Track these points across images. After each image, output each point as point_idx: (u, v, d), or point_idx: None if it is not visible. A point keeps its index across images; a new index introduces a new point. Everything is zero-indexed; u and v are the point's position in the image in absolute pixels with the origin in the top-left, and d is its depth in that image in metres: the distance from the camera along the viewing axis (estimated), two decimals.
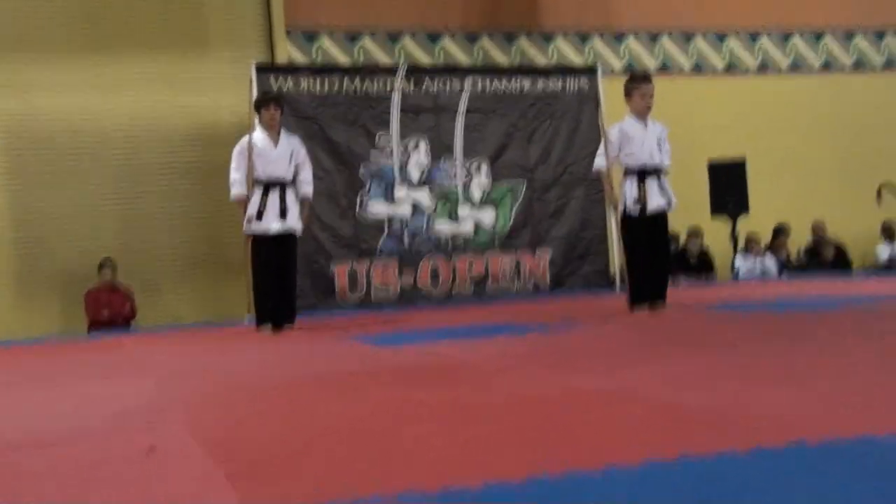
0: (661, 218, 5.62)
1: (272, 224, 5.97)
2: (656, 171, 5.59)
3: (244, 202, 6.05)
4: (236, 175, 6.12)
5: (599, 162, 5.80)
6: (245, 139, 6.14)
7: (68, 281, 8.90)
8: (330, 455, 1.95)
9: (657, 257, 5.65)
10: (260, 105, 6.22)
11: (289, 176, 6.11)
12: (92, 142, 9.04)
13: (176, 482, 1.82)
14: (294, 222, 6.06)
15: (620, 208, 5.66)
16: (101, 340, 6.79)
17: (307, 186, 6.21)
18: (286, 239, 6.07)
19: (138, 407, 2.91)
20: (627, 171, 5.64)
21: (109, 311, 8.59)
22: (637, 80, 5.69)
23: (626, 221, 5.67)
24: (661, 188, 5.58)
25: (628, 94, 5.68)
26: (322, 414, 2.55)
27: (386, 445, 2.00)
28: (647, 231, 5.59)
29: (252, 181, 6.03)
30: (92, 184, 9.05)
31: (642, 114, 5.63)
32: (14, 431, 2.57)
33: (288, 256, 6.12)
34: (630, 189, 5.58)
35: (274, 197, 5.99)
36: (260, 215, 5.98)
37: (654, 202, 5.54)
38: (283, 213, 5.98)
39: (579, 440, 1.92)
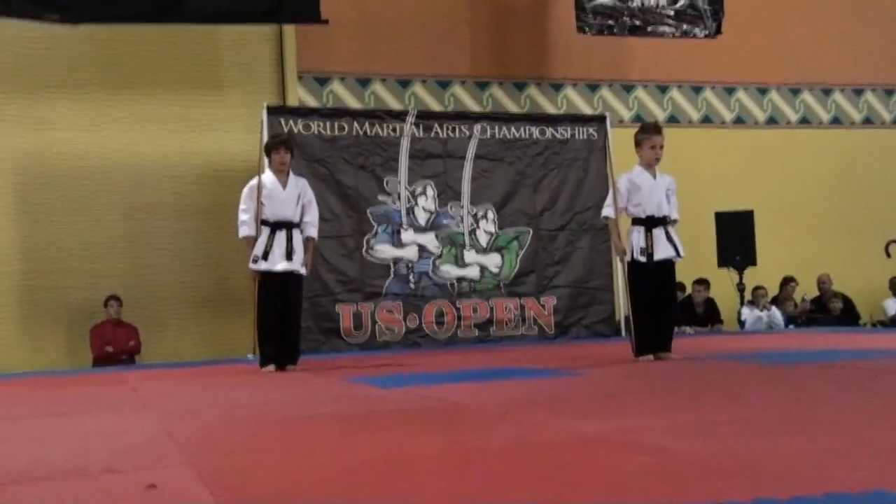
0: (668, 267, 5.64)
1: (277, 264, 6.03)
2: (664, 221, 5.63)
3: (252, 241, 6.13)
4: (244, 216, 6.20)
5: (608, 211, 5.84)
6: (255, 180, 6.21)
7: (74, 316, 8.93)
8: (330, 495, 1.95)
9: (663, 306, 5.67)
10: (270, 148, 6.29)
11: (296, 217, 6.17)
12: (102, 179, 9.13)
13: None
14: (299, 263, 6.10)
15: (627, 258, 5.68)
16: (104, 375, 6.79)
17: (312, 228, 6.26)
18: (291, 279, 6.12)
19: (140, 443, 2.90)
20: (635, 221, 5.68)
21: (114, 346, 8.61)
22: (647, 131, 5.74)
23: (634, 269, 5.69)
24: (669, 238, 5.61)
25: (638, 144, 5.73)
26: (323, 455, 2.54)
27: (386, 489, 2.00)
28: (654, 280, 5.61)
29: (260, 221, 6.10)
30: (100, 220, 9.12)
31: (651, 164, 5.68)
32: (14, 464, 2.56)
33: (293, 297, 6.17)
34: (637, 238, 5.62)
35: (281, 237, 6.06)
36: (266, 255, 6.04)
37: (662, 251, 5.57)
38: (288, 255, 6.04)
39: (580, 486, 1.92)
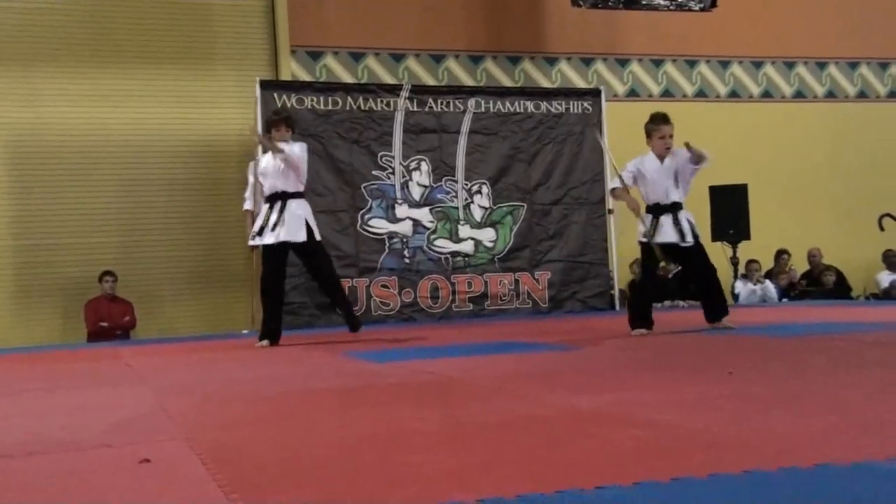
0: (690, 251, 5.73)
1: (266, 237, 6.06)
2: (672, 208, 5.71)
3: (250, 216, 6.32)
4: (245, 193, 6.53)
5: (613, 183, 5.97)
6: (257, 160, 6.28)
7: (69, 291, 8.92)
8: (326, 470, 1.96)
9: (701, 285, 5.88)
10: (270, 125, 6.25)
11: (289, 187, 6.14)
12: (96, 153, 9.08)
13: (169, 493, 1.82)
14: (292, 233, 6.05)
15: (637, 238, 5.83)
16: (99, 350, 6.79)
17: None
18: (300, 251, 6.15)
19: (134, 418, 2.91)
20: (647, 207, 5.81)
21: (109, 321, 8.60)
22: (656, 122, 5.78)
23: (642, 250, 5.87)
24: (676, 223, 5.66)
25: (648, 135, 5.81)
26: (319, 429, 2.55)
27: (381, 461, 2.01)
28: (684, 262, 5.83)
29: (259, 198, 6.23)
30: (95, 195, 9.08)
31: (663, 155, 5.74)
32: (8, 438, 2.57)
33: (315, 267, 6.28)
34: (645, 221, 5.76)
35: (274, 210, 6.06)
36: (262, 231, 6.08)
37: (663, 236, 5.67)
38: (274, 227, 6.04)
39: (574, 460, 1.93)
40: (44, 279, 8.90)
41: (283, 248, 6.13)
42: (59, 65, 9.04)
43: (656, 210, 5.74)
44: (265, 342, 6.06)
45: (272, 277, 6.19)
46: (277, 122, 6.22)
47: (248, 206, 6.35)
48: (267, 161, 6.21)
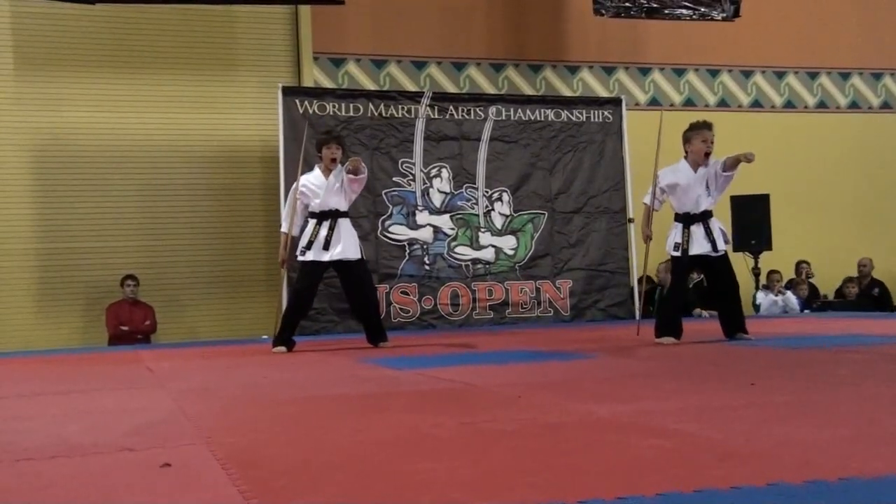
0: (716, 261, 5.70)
1: (317, 255, 6.09)
2: (703, 217, 5.67)
3: (285, 238, 6.35)
4: (284, 213, 6.58)
5: (646, 198, 5.94)
6: (303, 178, 6.29)
7: (91, 294, 8.99)
8: (343, 475, 1.95)
9: (723, 297, 5.85)
10: (321, 144, 6.27)
11: (341, 206, 6.17)
12: (119, 158, 9.16)
13: (189, 497, 1.82)
14: (347, 251, 6.10)
15: (667, 250, 5.80)
16: (120, 354, 6.83)
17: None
18: (349, 267, 6.18)
19: (154, 421, 2.92)
20: (676, 216, 5.78)
21: (130, 325, 8.66)
22: (698, 127, 5.74)
23: (673, 262, 5.86)
24: (708, 232, 5.63)
25: (687, 140, 5.76)
26: (337, 434, 2.55)
27: (398, 468, 2.00)
28: (711, 274, 5.87)
29: (294, 219, 6.27)
30: (116, 200, 9.16)
31: (701, 159, 5.68)
32: (29, 441, 2.59)
33: (358, 281, 6.28)
34: (675, 234, 5.74)
35: (325, 228, 6.10)
36: (310, 245, 6.11)
37: (696, 248, 5.64)
38: (328, 244, 6.06)
39: (594, 469, 1.91)
40: (66, 283, 8.98)
41: (325, 265, 6.17)
42: (82, 70, 9.14)
43: (687, 219, 5.69)
44: (282, 349, 6.10)
45: (309, 294, 6.32)
46: (329, 141, 6.25)
47: (285, 228, 6.35)
48: (317, 179, 6.21)
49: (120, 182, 9.17)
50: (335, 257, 6.09)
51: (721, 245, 5.66)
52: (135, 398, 3.72)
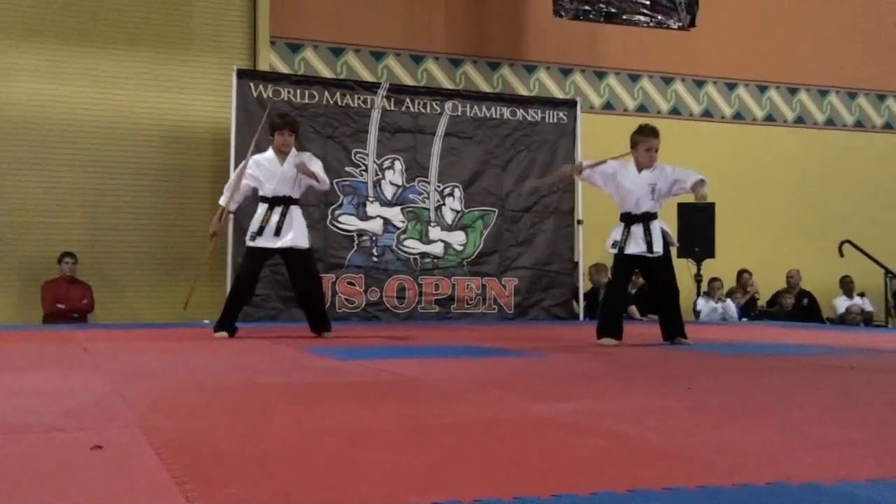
0: (653, 262, 5.74)
1: (268, 242, 6.02)
2: (644, 218, 5.71)
3: (221, 211, 6.22)
4: (227, 186, 6.34)
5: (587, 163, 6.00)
6: (255, 157, 6.19)
7: (27, 271, 8.79)
8: (281, 464, 1.94)
9: (662, 297, 5.90)
10: (273, 128, 6.18)
11: (294, 193, 6.11)
12: (63, 132, 8.96)
13: (120, 480, 1.79)
14: (297, 239, 6.04)
15: (606, 248, 5.86)
16: (55, 333, 6.69)
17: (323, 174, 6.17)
18: (297, 255, 6.11)
19: (88, 403, 2.87)
20: (620, 217, 5.84)
21: (66, 304, 8.49)
22: (645, 133, 5.79)
23: (613, 260, 5.92)
24: (646, 233, 5.68)
25: (634, 145, 5.82)
26: (276, 423, 2.53)
27: (338, 459, 2.00)
28: (651, 275, 5.91)
29: (235, 196, 6.19)
30: (60, 174, 8.96)
31: (646, 167, 5.76)
32: None
33: (306, 271, 6.21)
34: (615, 233, 5.80)
35: (276, 214, 6.02)
36: (261, 231, 6.03)
37: (631, 247, 5.69)
38: (279, 230, 6.00)
39: (531, 466, 1.93)
40: (1, 257, 8.76)
41: (272, 252, 6.10)
42: (29, 41, 8.92)
43: (628, 219, 5.76)
44: (224, 334, 6.02)
45: (253, 280, 6.22)
46: (281, 127, 6.13)
47: (223, 201, 6.21)
48: (271, 162, 6.12)
49: (63, 157, 8.98)
50: (286, 244, 6.03)
51: (658, 247, 5.68)
52: (69, 379, 3.65)
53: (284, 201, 6.07)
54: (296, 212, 6.11)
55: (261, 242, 6.05)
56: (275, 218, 6.02)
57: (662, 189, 5.75)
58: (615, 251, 5.75)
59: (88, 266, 8.81)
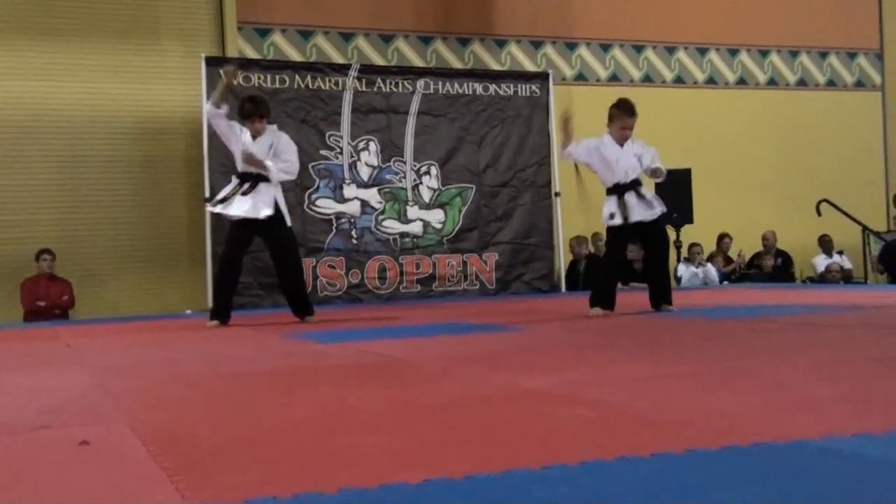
0: (651, 228, 5.81)
1: (233, 208, 5.93)
2: (634, 185, 5.76)
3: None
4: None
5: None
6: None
7: (4, 269, 8.70)
8: (269, 451, 1.94)
9: (654, 265, 5.98)
10: (244, 116, 6.08)
11: (263, 173, 5.99)
12: (35, 128, 8.85)
13: (110, 475, 1.79)
14: (264, 209, 5.90)
15: (603, 221, 5.86)
16: (37, 330, 6.64)
17: (281, 164, 6.03)
18: (272, 230, 6.01)
19: (73, 399, 2.85)
20: (608, 191, 5.85)
21: (46, 301, 8.42)
22: (622, 110, 5.82)
23: (608, 233, 5.97)
24: (642, 200, 5.73)
25: (611, 119, 5.85)
26: (263, 410, 2.53)
27: (326, 442, 2.00)
28: (644, 242, 6.00)
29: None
30: (33, 171, 8.86)
31: (619, 141, 5.78)
32: None
33: (285, 251, 6.14)
34: (609, 205, 5.81)
35: (235, 185, 5.98)
36: (225, 200, 5.96)
37: (637, 214, 5.73)
38: (224, 200, 5.96)
39: (520, 440, 1.94)
40: None
41: (251, 228, 6.00)
42: None
43: (618, 190, 5.77)
44: (215, 322, 5.99)
45: (237, 255, 6.10)
46: (252, 116, 6.01)
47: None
48: (247, 137, 6.04)
49: (36, 153, 8.87)
50: (249, 214, 5.89)
51: (657, 206, 5.76)
52: (52, 375, 3.62)
53: (253, 177, 5.98)
54: (263, 187, 5.96)
55: (220, 209, 5.97)
56: (244, 187, 5.94)
57: (643, 158, 5.78)
58: (615, 222, 5.74)
59: (67, 262, 8.73)
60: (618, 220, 5.74)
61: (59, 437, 2.19)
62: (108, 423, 2.36)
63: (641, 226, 5.78)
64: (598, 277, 6.15)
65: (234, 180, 6.06)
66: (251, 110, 6.07)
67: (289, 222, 6.12)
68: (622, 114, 5.79)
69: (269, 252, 6.27)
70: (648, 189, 5.98)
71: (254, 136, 6.06)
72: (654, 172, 5.79)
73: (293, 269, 6.24)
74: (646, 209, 5.74)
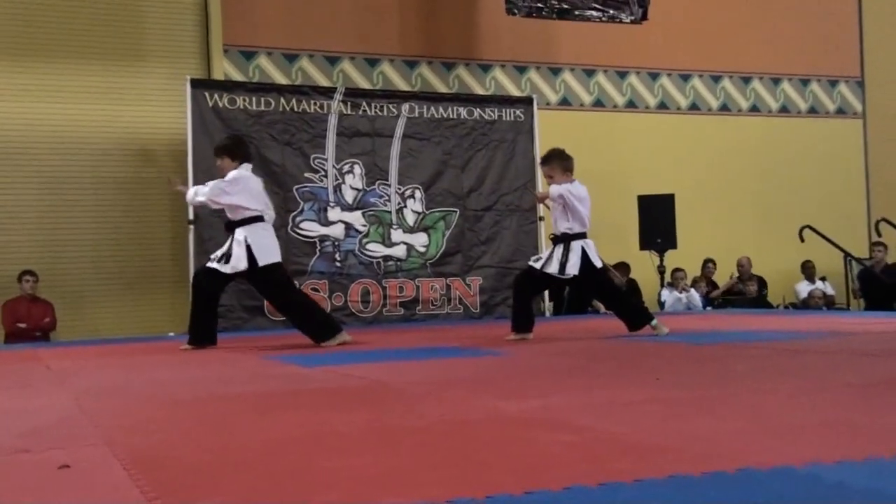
0: (584, 281, 5.91)
1: (224, 267, 5.85)
2: (564, 240, 5.81)
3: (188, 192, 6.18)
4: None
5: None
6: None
7: None
8: (249, 474, 1.93)
9: (609, 303, 6.25)
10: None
11: (229, 216, 5.90)
12: (18, 149, 8.81)
13: (90, 499, 1.77)
14: (238, 263, 5.76)
15: (538, 266, 5.89)
16: (17, 352, 6.58)
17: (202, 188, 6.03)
18: (252, 278, 5.97)
19: (53, 422, 2.82)
20: (567, 237, 5.79)
21: (28, 322, 8.35)
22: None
23: (533, 273, 5.94)
24: (566, 255, 5.79)
25: (571, 170, 5.88)
26: (242, 433, 2.51)
27: (305, 465, 1.99)
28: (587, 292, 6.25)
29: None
30: (16, 192, 8.82)
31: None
32: None
33: (268, 290, 6.16)
34: (545, 251, 6.06)
35: (228, 239, 5.91)
36: (228, 258, 5.83)
37: (550, 268, 5.81)
38: (226, 256, 5.81)
39: (502, 465, 1.93)
40: None
41: (252, 275, 5.94)
42: None
43: (554, 240, 5.91)
44: (189, 347, 5.93)
45: (212, 295, 6.01)
46: (216, 153, 6.02)
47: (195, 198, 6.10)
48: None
49: (18, 174, 8.83)
50: (233, 269, 5.81)
51: (571, 270, 5.72)
52: (32, 398, 3.59)
53: (229, 226, 5.91)
54: (238, 234, 5.81)
55: (215, 265, 5.87)
56: (226, 245, 5.88)
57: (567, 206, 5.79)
58: (547, 269, 5.81)
59: (49, 283, 8.67)
60: (537, 265, 5.85)
61: (38, 460, 2.17)
62: (88, 447, 2.34)
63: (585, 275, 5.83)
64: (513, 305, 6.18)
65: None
66: (215, 149, 6.12)
67: (262, 260, 5.81)
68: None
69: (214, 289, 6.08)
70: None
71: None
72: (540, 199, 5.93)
73: (289, 309, 6.10)
74: (559, 267, 5.76)
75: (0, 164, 8.76)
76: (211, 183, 6.01)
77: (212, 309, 6.06)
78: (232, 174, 5.90)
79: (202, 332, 6.00)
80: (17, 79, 8.85)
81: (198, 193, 6.05)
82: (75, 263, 8.98)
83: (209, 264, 5.96)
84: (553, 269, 5.78)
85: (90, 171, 9.06)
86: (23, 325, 8.32)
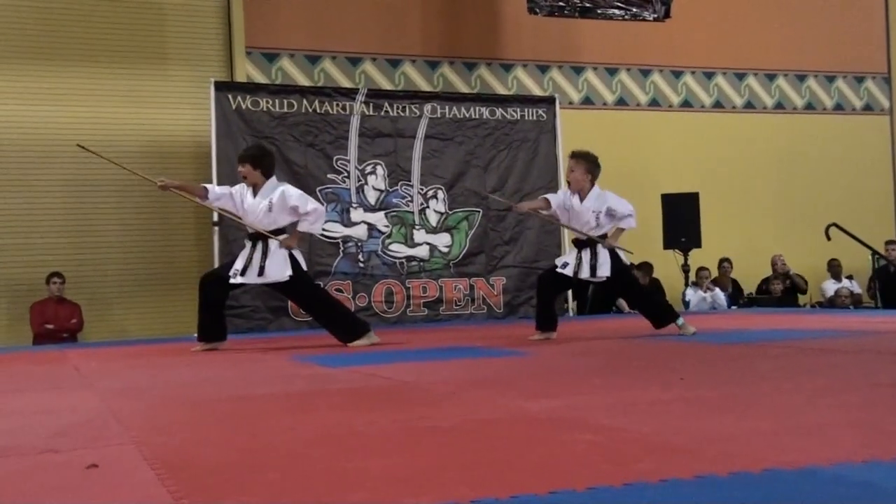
0: (614, 280, 5.86)
1: (249, 279, 5.86)
2: (591, 243, 5.79)
3: (197, 192, 6.08)
4: (217, 188, 6.15)
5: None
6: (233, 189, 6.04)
7: (15, 292, 8.74)
8: (275, 474, 1.94)
9: (634, 303, 6.35)
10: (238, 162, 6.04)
11: (267, 227, 5.83)
12: (46, 153, 8.91)
13: (118, 499, 1.79)
14: (274, 274, 5.78)
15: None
16: (46, 353, 6.65)
17: (304, 223, 5.89)
18: (282, 288, 6.02)
19: (81, 422, 2.85)
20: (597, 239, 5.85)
21: (55, 323, 8.44)
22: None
23: (552, 273, 5.99)
24: (595, 258, 5.75)
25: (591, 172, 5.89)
26: (269, 433, 2.53)
27: (332, 465, 2.00)
28: (618, 290, 6.33)
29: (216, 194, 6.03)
30: (44, 195, 8.91)
31: (573, 190, 5.86)
32: None
33: (300, 299, 6.24)
34: (568, 255, 6.01)
35: (248, 249, 5.87)
36: (244, 271, 5.82)
37: (583, 273, 5.80)
38: (261, 270, 5.78)
39: (527, 464, 1.93)
40: None
41: (283, 287, 5.98)
42: (7, 62, 8.86)
43: (579, 245, 5.87)
44: (201, 345, 5.95)
45: (218, 301, 6.00)
46: (239, 160, 5.95)
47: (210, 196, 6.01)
48: (245, 190, 5.94)
49: (46, 177, 8.93)
50: (265, 280, 5.85)
51: (604, 270, 5.73)
52: (60, 398, 3.63)
53: (256, 236, 5.85)
54: (273, 245, 5.80)
55: (241, 280, 5.84)
56: (246, 254, 5.84)
57: (602, 219, 5.79)
58: (564, 271, 5.82)
59: (76, 285, 8.76)
60: (567, 271, 5.83)
61: (66, 460, 2.19)
62: (115, 446, 2.36)
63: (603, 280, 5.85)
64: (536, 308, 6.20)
65: (247, 244, 5.92)
66: (239, 155, 6.08)
67: (304, 265, 5.95)
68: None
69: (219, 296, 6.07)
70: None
71: (254, 191, 5.93)
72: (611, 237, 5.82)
73: (320, 313, 6.10)
74: (590, 270, 5.75)
75: (27, 167, 8.87)
76: (300, 196, 5.93)
77: (218, 310, 6.07)
78: (297, 191, 6.00)
79: (210, 330, 5.99)
80: (43, 83, 8.94)
81: (310, 213, 5.90)
82: (102, 265, 9.07)
83: (233, 280, 5.86)
84: (585, 273, 5.78)
85: (115, 174, 9.08)
86: (50, 327, 8.41)
